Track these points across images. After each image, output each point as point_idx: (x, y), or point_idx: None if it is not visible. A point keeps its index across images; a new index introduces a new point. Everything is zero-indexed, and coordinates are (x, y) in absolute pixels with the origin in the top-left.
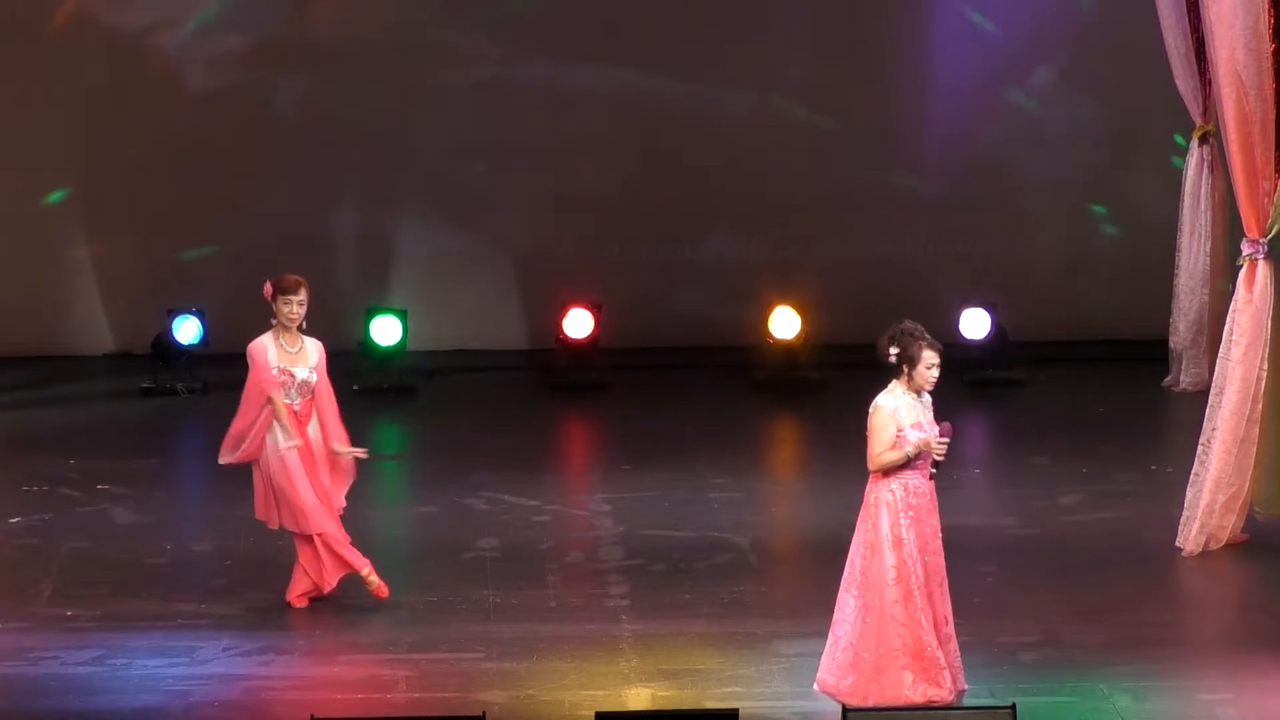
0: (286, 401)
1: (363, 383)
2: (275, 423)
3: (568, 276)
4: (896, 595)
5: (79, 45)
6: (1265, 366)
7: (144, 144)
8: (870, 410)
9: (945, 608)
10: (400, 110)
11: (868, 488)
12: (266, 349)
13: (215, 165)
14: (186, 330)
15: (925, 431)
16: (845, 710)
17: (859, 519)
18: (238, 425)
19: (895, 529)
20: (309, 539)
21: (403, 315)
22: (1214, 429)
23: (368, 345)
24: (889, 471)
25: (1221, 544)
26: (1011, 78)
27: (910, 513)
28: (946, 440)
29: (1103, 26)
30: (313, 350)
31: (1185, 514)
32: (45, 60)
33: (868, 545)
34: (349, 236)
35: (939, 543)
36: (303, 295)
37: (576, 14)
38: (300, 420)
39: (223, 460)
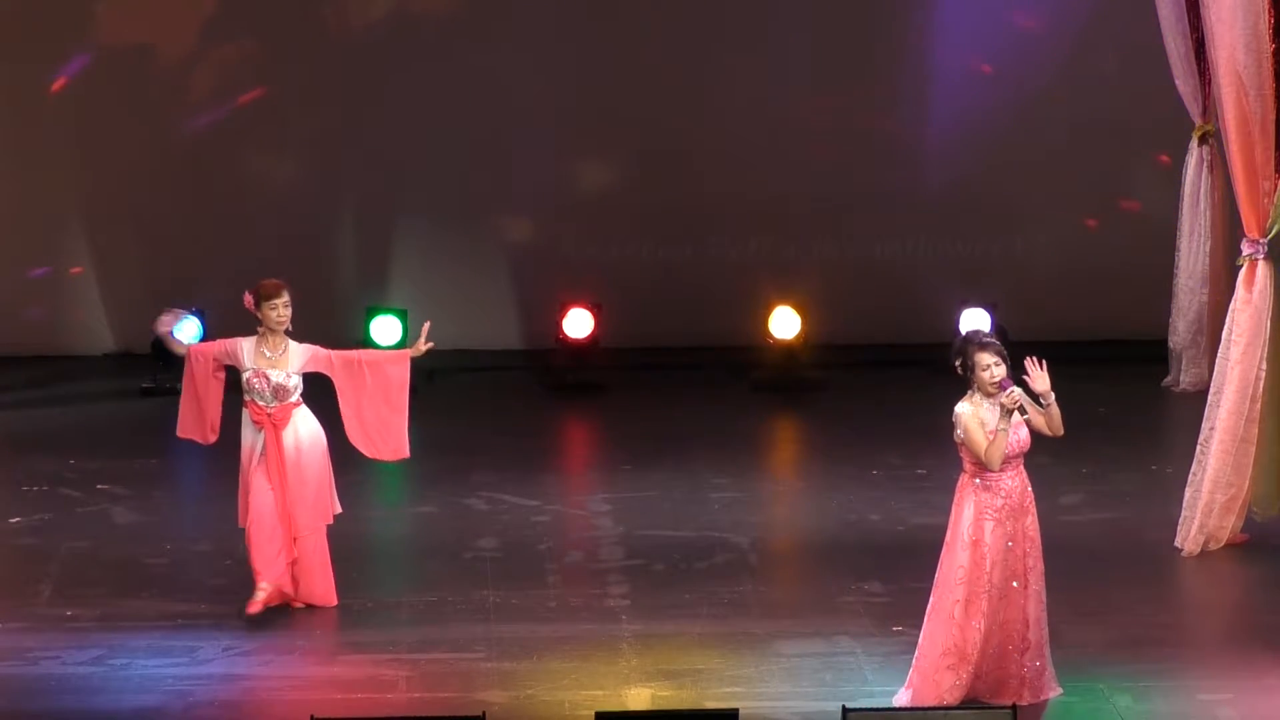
0: (260, 403)
1: None
2: (246, 418)
3: (568, 276)
4: (959, 596)
5: (78, 47)
6: (1264, 366)
7: (143, 144)
8: (953, 421)
9: (1030, 611)
10: (400, 110)
11: (957, 486)
12: (241, 346)
13: (215, 165)
14: (186, 330)
15: (1012, 434)
16: (845, 710)
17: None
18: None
19: (974, 530)
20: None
21: (403, 315)
22: (1212, 429)
23: (368, 345)
24: (977, 472)
25: (1221, 544)
26: (1012, 77)
27: (993, 514)
28: (1009, 388)
29: (1103, 25)
30: (296, 356)
31: (1184, 514)
32: (45, 62)
33: (947, 544)
34: (349, 236)
35: (1030, 545)
36: (285, 297)
37: (576, 15)
38: (276, 424)
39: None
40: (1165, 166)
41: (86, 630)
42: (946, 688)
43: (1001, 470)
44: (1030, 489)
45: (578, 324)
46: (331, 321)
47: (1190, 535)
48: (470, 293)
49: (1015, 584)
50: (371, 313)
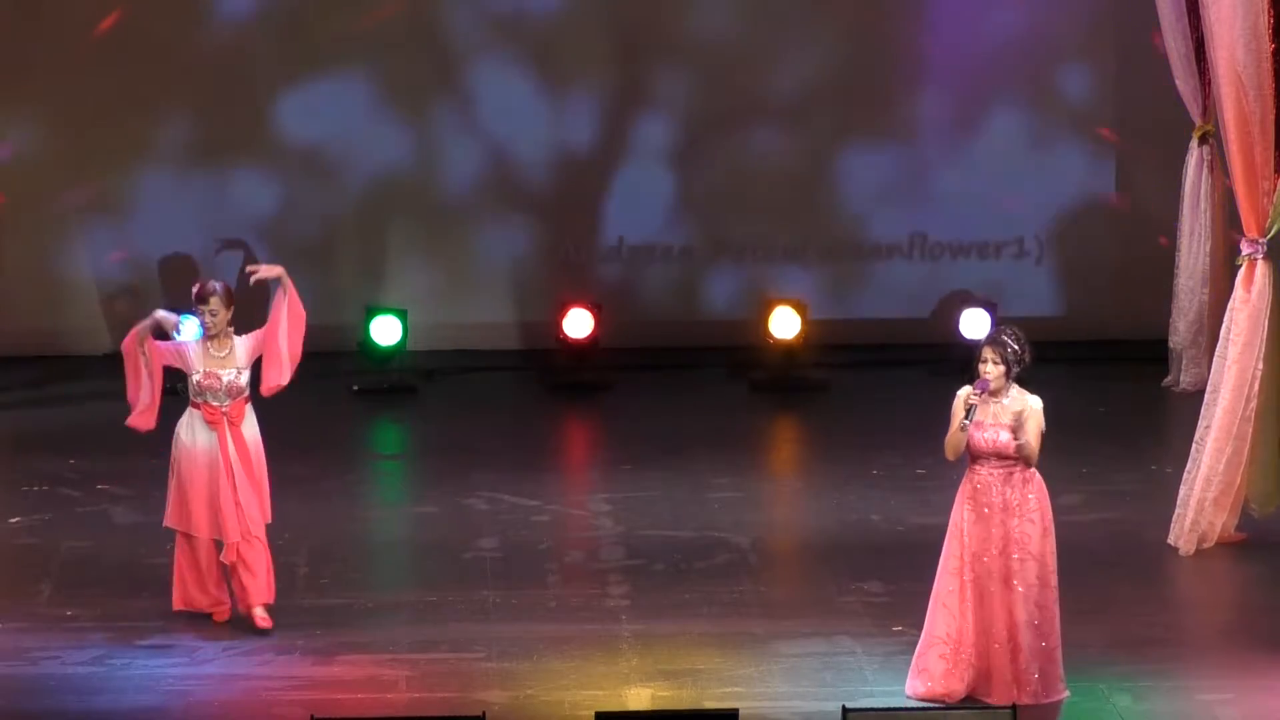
0: (215, 404)
1: (363, 383)
2: (193, 422)
3: (568, 276)
4: (951, 585)
5: (75, 43)
6: (1261, 365)
7: (142, 143)
8: None
9: (1018, 615)
10: (400, 109)
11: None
12: (188, 349)
13: (215, 165)
14: (187, 330)
15: (987, 431)
16: (845, 710)
17: None
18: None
19: (956, 519)
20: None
21: (403, 315)
22: (1207, 427)
23: (368, 345)
24: (969, 463)
25: (1213, 542)
26: (1011, 76)
27: (969, 504)
28: (979, 390)
29: (1103, 25)
30: (241, 350)
31: (1177, 511)
32: (45, 60)
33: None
34: (349, 236)
35: (1018, 548)
36: (212, 304)
37: (576, 13)
38: (233, 421)
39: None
40: (1166, 166)
41: (86, 630)
42: (938, 674)
43: (975, 461)
44: (1023, 494)
45: (578, 324)
46: (331, 321)
47: (1183, 532)
48: (470, 293)
49: (997, 583)
50: (371, 313)
